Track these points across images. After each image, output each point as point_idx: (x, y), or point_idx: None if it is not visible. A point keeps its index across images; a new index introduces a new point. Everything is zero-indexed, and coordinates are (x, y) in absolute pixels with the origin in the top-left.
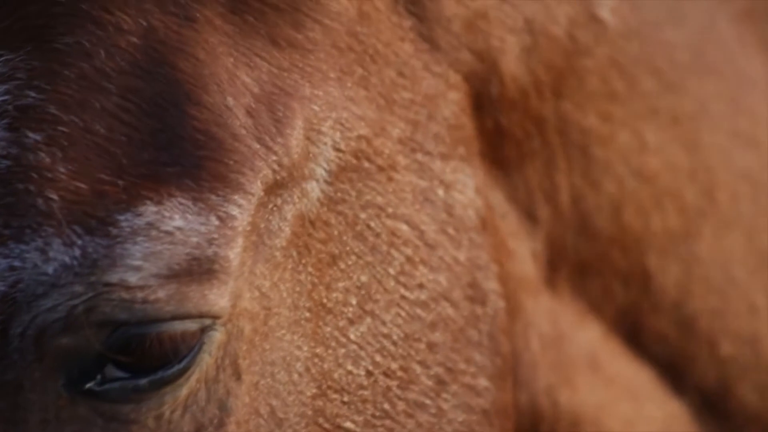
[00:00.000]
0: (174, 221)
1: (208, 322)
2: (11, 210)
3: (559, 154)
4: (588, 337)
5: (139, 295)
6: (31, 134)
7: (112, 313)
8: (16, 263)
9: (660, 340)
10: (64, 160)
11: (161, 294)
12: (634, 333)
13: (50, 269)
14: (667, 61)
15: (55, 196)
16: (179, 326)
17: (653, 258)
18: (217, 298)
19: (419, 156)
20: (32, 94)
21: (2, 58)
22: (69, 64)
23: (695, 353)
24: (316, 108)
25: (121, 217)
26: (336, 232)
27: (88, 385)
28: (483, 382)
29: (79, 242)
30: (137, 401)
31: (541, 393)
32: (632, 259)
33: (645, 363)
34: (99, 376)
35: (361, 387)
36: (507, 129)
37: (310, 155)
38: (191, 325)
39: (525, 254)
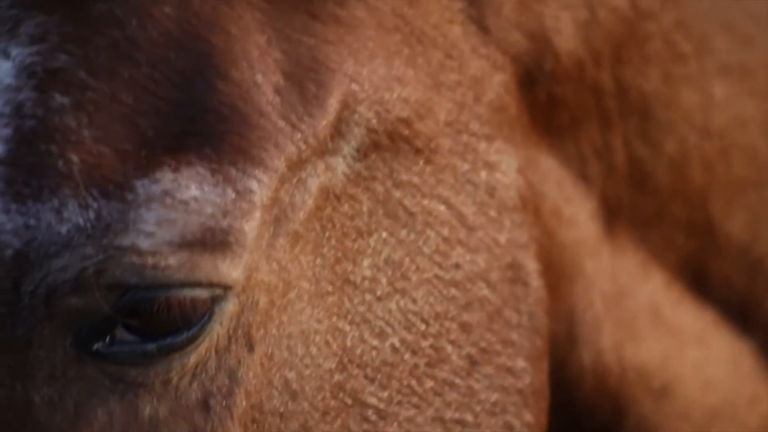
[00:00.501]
0: (190, 190)
1: (219, 292)
2: (32, 169)
3: (615, 117)
4: (650, 289)
5: (150, 260)
6: (59, 97)
7: (122, 276)
8: (32, 222)
9: (726, 283)
10: (89, 125)
11: (172, 261)
12: (699, 278)
13: (64, 229)
14: (741, 12)
15: (76, 159)
16: (188, 293)
17: (718, 206)
18: (230, 269)
19: (464, 137)
20: (63, 57)
21: (36, 20)
22: (101, 32)
23: (763, 294)
24: (356, 87)
25: (138, 183)
26: (365, 208)
27: (96, 346)
28: (520, 363)
29: (95, 205)
30: (145, 365)
31: (607, 350)
32: (695, 209)
33: (710, 306)
34: (108, 338)
35: (387, 363)
36: (561, 98)
37: (340, 133)
38: (201, 294)
39: (582, 217)
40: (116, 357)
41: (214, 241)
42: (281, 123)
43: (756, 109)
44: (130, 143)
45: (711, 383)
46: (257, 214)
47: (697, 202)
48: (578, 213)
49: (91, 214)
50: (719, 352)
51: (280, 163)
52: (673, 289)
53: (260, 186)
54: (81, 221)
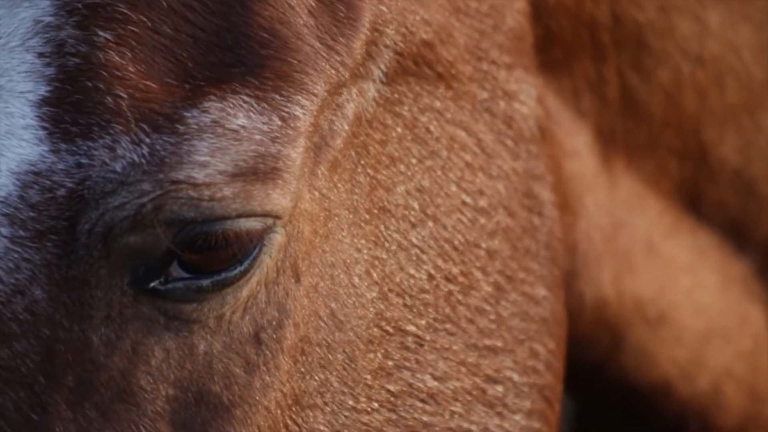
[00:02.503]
0: (238, 119)
1: (270, 222)
2: (79, 107)
3: (609, 51)
4: (645, 221)
5: (206, 192)
6: (101, 33)
7: (180, 211)
8: (84, 160)
9: (720, 206)
10: (133, 60)
11: (227, 192)
12: (694, 203)
13: (118, 166)
14: None
15: (123, 94)
16: (244, 224)
17: (710, 132)
18: (280, 197)
19: (484, 65)
20: None
21: None
22: None
23: (757, 215)
24: (384, 8)
25: (188, 114)
26: (394, 134)
27: (152, 284)
28: (542, 291)
29: (147, 140)
30: (199, 301)
31: (606, 284)
32: (688, 136)
33: (706, 229)
34: (163, 276)
35: (423, 291)
36: (557, 34)
37: (371, 56)
38: (255, 224)
39: (582, 150)
40: (172, 294)
41: (265, 168)
42: (318, 45)
43: (751, 35)
44: (173, 75)
45: (702, 309)
46: (301, 141)
47: (690, 128)
48: (578, 146)
49: (145, 150)
50: (709, 278)
51: (320, 88)
52: (668, 216)
53: (303, 111)
54: (135, 157)
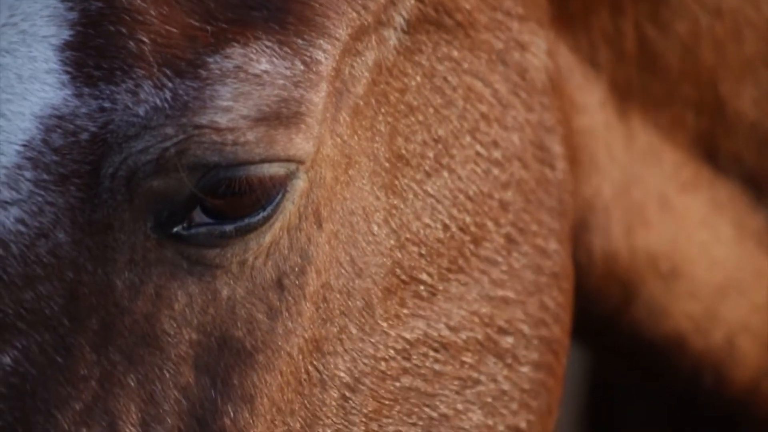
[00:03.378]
0: (261, 64)
1: (293, 167)
2: (102, 52)
3: (627, 4)
4: (661, 175)
5: (230, 137)
6: None
7: (203, 155)
8: (107, 104)
9: (737, 158)
10: (155, 3)
11: (250, 136)
12: (711, 155)
13: (141, 111)
14: None
15: (146, 39)
16: (267, 169)
17: (728, 85)
18: (303, 142)
19: (499, 15)
20: None
21: None
22: None
23: None
24: None
25: (210, 60)
26: (413, 83)
27: (175, 229)
28: (553, 244)
29: (170, 84)
30: (222, 246)
31: (617, 237)
32: (705, 88)
33: (723, 181)
34: (186, 221)
35: (438, 240)
36: None
37: (393, 2)
38: (278, 169)
39: (594, 105)
40: (195, 239)
41: (288, 112)
42: None
43: None
44: (196, 17)
45: (717, 262)
46: (323, 85)
47: (708, 81)
48: (589, 100)
49: (167, 94)
50: (725, 231)
51: (342, 32)
52: (685, 169)
53: (326, 56)
54: (158, 101)
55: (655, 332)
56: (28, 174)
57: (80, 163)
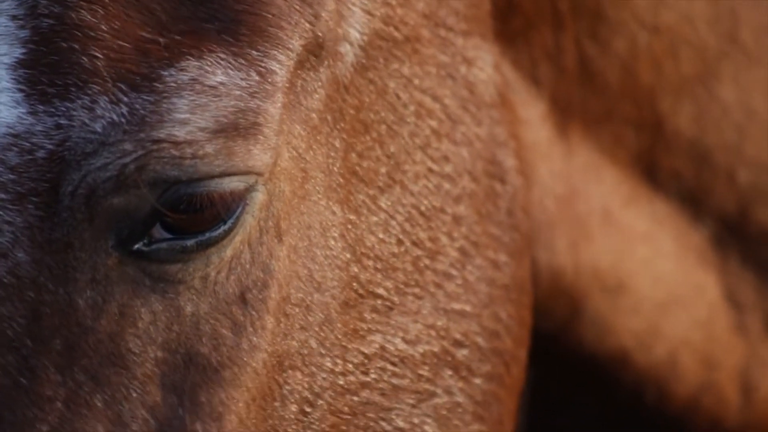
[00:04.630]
0: (216, 76)
1: (252, 180)
2: (55, 68)
3: (567, 21)
4: (602, 190)
5: (188, 150)
6: None
7: (163, 170)
8: (63, 121)
9: (676, 175)
10: (106, 17)
11: (209, 149)
12: (650, 172)
13: (98, 127)
14: None
15: (99, 54)
16: (228, 184)
17: (666, 102)
18: (261, 153)
19: (442, 32)
20: None
21: None
22: None
23: (712, 184)
24: None
25: (165, 73)
26: (368, 100)
27: (136, 246)
28: (503, 257)
29: (126, 99)
30: (184, 261)
31: (561, 252)
32: (643, 106)
33: (663, 198)
34: (147, 237)
35: (393, 255)
36: (517, 3)
37: (344, 15)
38: (238, 184)
39: (535, 120)
40: (157, 255)
41: (245, 123)
42: None
43: (705, 5)
44: (147, 29)
45: (660, 278)
46: (279, 96)
47: (646, 99)
48: (531, 115)
49: (124, 109)
50: (667, 247)
51: (295, 43)
52: (625, 186)
53: (280, 66)
54: (115, 117)
55: (600, 348)
56: None
57: (38, 181)
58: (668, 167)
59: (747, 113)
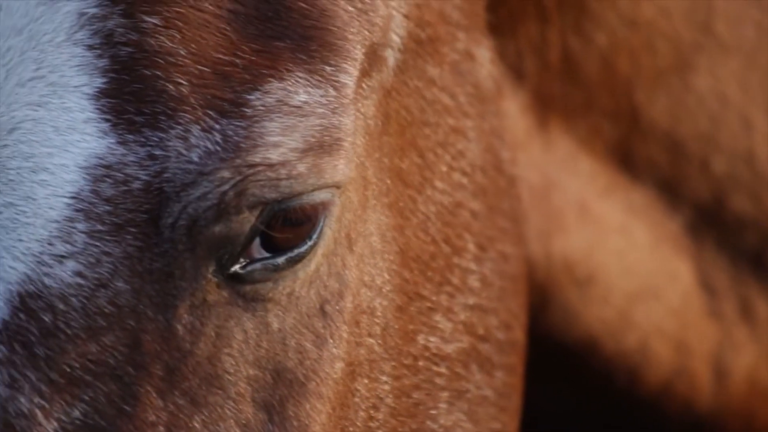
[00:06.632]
0: (299, 96)
1: (335, 193)
2: (140, 97)
3: (553, 14)
4: (579, 182)
5: (283, 171)
6: (147, 18)
7: (261, 193)
8: (157, 152)
9: (652, 165)
10: (183, 41)
11: (302, 168)
12: (626, 162)
13: (195, 156)
14: None
15: (183, 81)
16: (318, 196)
17: (642, 94)
18: (345, 167)
19: (451, 29)
20: None
21: None
22: None
23: (687, 173)
24: None
25: (251, 97)
26: (403, 102)
27: (233, 269)
28: (510, 248)
29: (218, 126)
30: (275, 280)
31: (534, 242)
32: (620, 98)
33: (639, 188)
34: (242, 259)
35: (430, 255)
36: None
37: (390, 18)
38: (327, 195)
39: (515, 111)
40: (251, 276)
41: (330, 140)
42: (350, 8)
43: None
44: (222, 52)
45: (632, 269)
46: (351, 108)
47: (623, 91)
48: (510, 107)
49: (218, 137)
50: (641, 237)
51: (359, 52)
52: (602, 176)
53: (350, 78)
54: (209, 145)
55: (569, 336)
56: (80, 226)
57: (135, 212)
58: (644, 157)
59: (722, 103)
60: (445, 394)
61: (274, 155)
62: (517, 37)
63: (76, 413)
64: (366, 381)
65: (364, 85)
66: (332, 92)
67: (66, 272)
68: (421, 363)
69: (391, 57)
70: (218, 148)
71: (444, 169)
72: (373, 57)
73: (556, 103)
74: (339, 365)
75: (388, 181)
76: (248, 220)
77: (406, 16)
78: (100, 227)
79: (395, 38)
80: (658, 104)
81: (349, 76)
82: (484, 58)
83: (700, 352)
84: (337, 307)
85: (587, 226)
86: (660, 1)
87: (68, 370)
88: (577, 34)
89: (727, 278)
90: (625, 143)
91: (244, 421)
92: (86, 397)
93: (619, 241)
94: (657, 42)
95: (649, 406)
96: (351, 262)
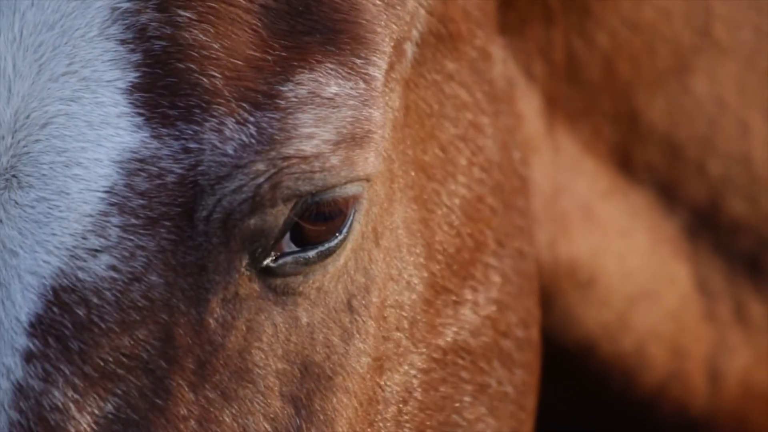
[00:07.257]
0: (330, 87)
1: (365, 186)
2: (174, 91)
3: (558, 15)
4: (583, 185)
5: (317, 164)
6: (182, 12)
7: (295, 186)
8: (191, 145)
9: (650, 167)
10: (217, 36)
11: (335, 160)
12: (626, 164)
13: (230, 149)
14: None
15: (217, 74)
16: (350, 189)
17: (641, 97)
18: (375, 159)
19: (472, 26)
20: None
21: None
22: None
23: (684, 175)
24: None
25: (284, 89)
26: (421, 95)
27: (265, 262)
28: (525, 246)
29: (252, 119)
30: (305, 273)
31: (543, 247)
32: (620, 101)
33: (638, 190)
34: (274, 253)
35: (455, 248)
36: None
37: (415, 13)
38: (358, 188)
39: (531, 113)
40: (282, 270)
41: (361, 132)
42: (378, 2)
43: (682, 2)
44: (253, 48)
45: (631, 273)
46: (380, 101)
47: (623, 93)
48: (527, 109)
49: (252, 129)
50: (641, 240)
51: (387, 45)
52: (603, 179)
53: (379, 71)
54: (244, 137)
55: (567, 338)
56: (114, 220)
57: (169, 205)
58: (642, 159)
59: (719, 106)
60: (469, 388)
61: (307, 147)
62: (526, 39)
63: (109, 407)
64: (395, 376)
65: (389, 77)
66: (362, 84)
67: (100, 266)
68: (449, 357)
69: (409, 50)
70: (253, 140)
71: (464, 163)
72: (399, 49)
73: (561, 105)
74: (365, 360)
75: (413, 174)
76: (283, 213)
77: (429, 12)
78: (134, 221)
79: (415, 32)
80: (656, 107)
81: (379, 69)
82: (498, 57)
83: (695, 354)
84: (363, 302)
85: (591, 230)
86: (661, 4)
87: (102, 363)
88: (580, 35)
89: (722, 281)
90: (624, 145)
91: (272, 415)
92: (119, 391)
93: (621, 244)
94: (657, 44)
95: (644, 409)
96: (378, 257)
